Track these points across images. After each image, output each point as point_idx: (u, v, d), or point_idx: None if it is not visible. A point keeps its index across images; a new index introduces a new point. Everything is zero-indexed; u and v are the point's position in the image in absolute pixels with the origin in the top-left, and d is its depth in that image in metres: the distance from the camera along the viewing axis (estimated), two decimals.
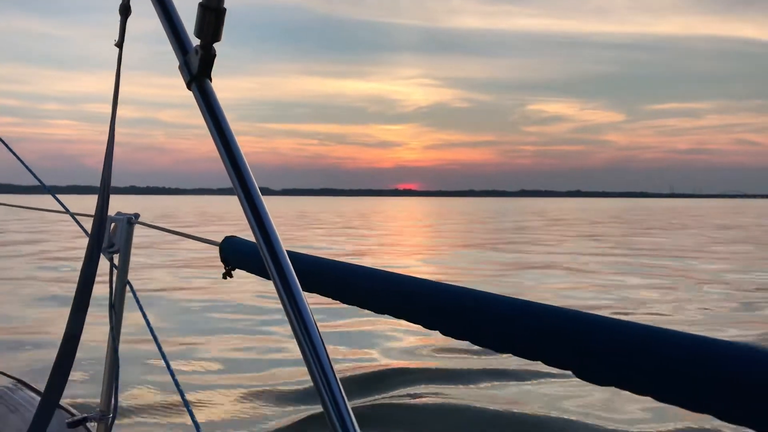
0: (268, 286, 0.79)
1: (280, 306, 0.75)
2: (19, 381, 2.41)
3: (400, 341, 6.45)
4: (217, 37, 0.83)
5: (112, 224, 1.56)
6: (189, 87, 0.86)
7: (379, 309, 0.96)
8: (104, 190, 1.37)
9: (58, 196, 1.96)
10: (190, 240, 1.68)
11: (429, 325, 0.87)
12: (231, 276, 1.40)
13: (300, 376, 5.19)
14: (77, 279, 1.39)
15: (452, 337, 0.84)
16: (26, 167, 1.95)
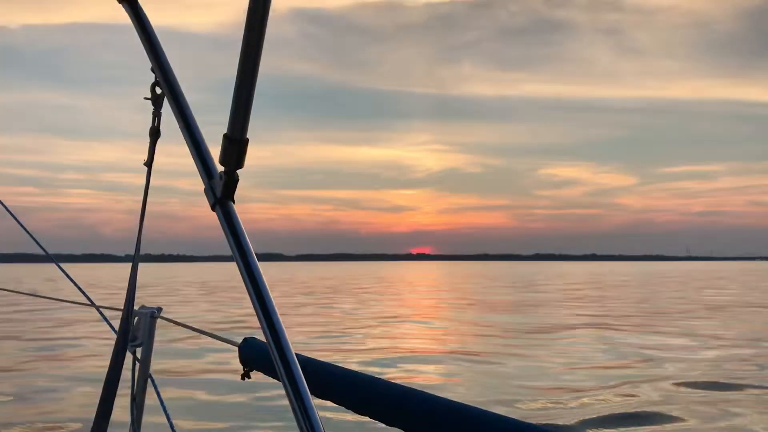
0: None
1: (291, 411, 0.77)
2: None
3: None
4: (240, 165, 0.90)
5: (136, 318, 1.59)
6: (213, 209, 0.92)
7: (390, 422, 0.99)
8: (131, 290, 1.44)
9: (63, 266, 1.99)
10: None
11: None
12: (249, 377, 1.40)
13: None
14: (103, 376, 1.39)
15: None
16: (31, 236, 1.97)
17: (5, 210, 1.99)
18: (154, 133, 1.46)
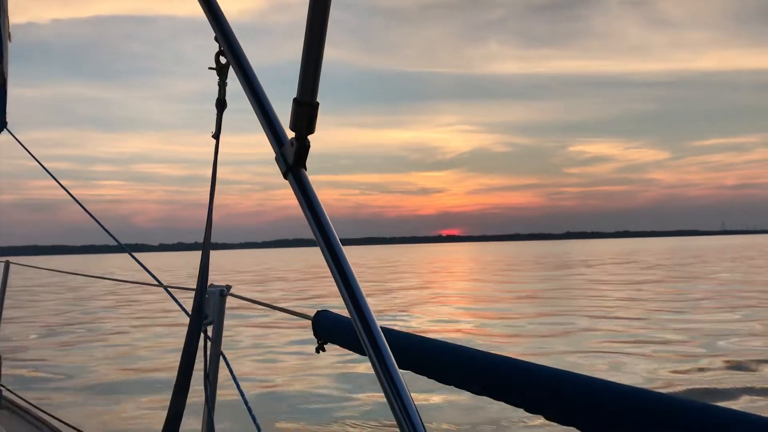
0: (362, 361, 0.79)
1: (370, 381, 0.73)
2: None
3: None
4: (311, 130, 0.87)
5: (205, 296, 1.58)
6: (285, 177, 0.90)
7: (478, 390, 0.95)
8: (204, 269, 1.43)
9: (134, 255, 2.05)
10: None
11: (532, 410, 0.86)
12: (324, 350, 1.40)
13: None
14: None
15: (558, 423, 0.82)
16: (104, 229, 2.04)
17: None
18: (221, 105, 1.43)
